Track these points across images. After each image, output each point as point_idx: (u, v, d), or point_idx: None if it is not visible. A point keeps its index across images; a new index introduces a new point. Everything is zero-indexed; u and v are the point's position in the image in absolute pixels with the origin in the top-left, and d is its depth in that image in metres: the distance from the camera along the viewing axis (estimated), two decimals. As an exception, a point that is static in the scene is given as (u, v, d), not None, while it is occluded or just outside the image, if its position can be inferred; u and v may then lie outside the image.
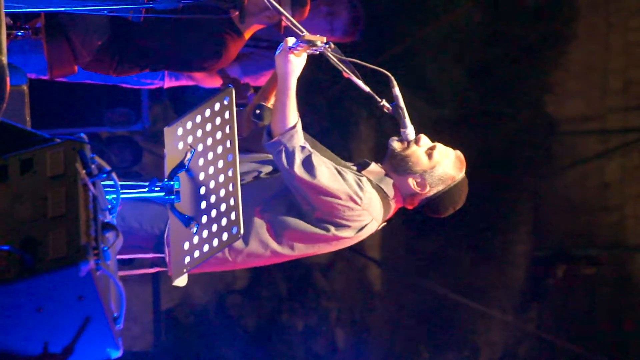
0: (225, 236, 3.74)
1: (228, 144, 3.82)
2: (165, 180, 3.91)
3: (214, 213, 3.78)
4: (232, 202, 3.74)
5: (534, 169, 9.17)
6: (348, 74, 4.32)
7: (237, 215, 3.71)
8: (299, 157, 4.23)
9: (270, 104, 4.46)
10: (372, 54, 6.10)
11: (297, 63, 4.26)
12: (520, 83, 9.04)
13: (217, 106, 3.89)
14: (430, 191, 4.45)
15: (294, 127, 4.26)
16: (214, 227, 3.77)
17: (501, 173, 8.99)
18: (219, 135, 3.86)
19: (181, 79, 5.84)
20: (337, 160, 4.44)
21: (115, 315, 3.26)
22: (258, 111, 4.45)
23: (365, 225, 4.37)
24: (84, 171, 3.24)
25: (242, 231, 3.71)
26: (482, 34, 8.89)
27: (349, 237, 4.37)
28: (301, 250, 4.41)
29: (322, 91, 7.58)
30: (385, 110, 4.36)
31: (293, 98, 4.28)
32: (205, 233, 3.80)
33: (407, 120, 4.40)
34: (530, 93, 9.14)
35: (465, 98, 8.89)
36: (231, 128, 3.82)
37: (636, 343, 9.21)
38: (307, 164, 4.24)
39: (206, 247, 3.79)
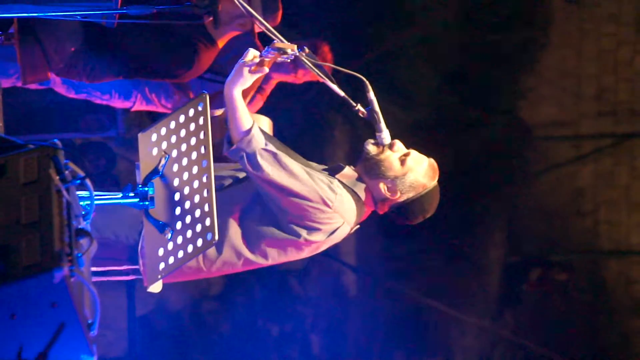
0: (200, 242, 3.74)
1: (202, 150, 3.81)
2: (140, 186, 3.90)
3: (188, 219, 3.78)
4: (206, 208, 3.73)
5: (508, 175, 9.20)
6: (323, 78, 4.32)
7: (211, 221, 3.71)
8: (262, 159, 4.24)
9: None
10: (347, 59, 6.10)
11: (245, 76, 4.24)
12: (494, 89, 9.07)
13: (191, 112, 3.89)
14: (400, 197, 4.45)
15: (249, 130, 4.27)
16: (189, 234, 3.76)
17: (475, 178, 9.01)
18: (193, 141, 3.85)
19: (151, 104, 5.82)
20: (309, 164, 4.44)
21: (89, 321, 3.25)
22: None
23: (337, 228, 4.37)
24: (57, 177, 3.23)
25: (216, 237, 3.70)
26: (456, 40, 8.92)
27: (320, 240, 4.37)
28: (274, 258, 4.40)
29: (297, 96, 7.58)
30: (360, 114, 4.36)
31: (240, 105, 4.27)
32: (179, 239, 3.79)
33: (383, 125, 4.40)
34: (504, 99, 9.17)
35: (439, 103, 8.91)
36: (205, 134, 3.82)
37: (610, 347, 9.25)
38: (272, 163, 4.24)
39: (181, 254, 3.78)
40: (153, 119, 5.88)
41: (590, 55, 9.33)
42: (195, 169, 3.81)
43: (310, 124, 8.02)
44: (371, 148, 4.45)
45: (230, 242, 4.34)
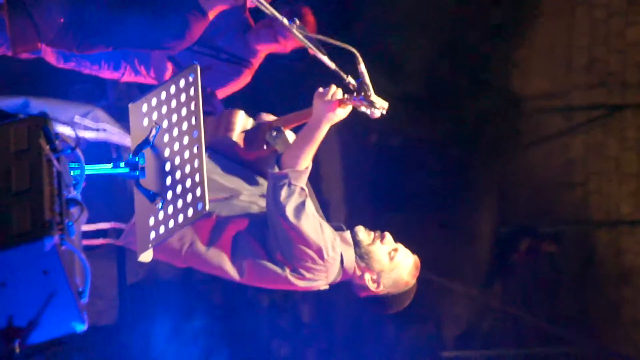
0: (190, 212, 3.75)
1: (193, 121, 3.81)
2: (130, 156, 3.91)
3: (179, 189, 3.79)
4: (197, 178, 3.75)
5: (500, 146, 9.22)
6: (313, 50, 4.33)
7: (202, 191, 3.72)
8: (295, 199, 4.25)
9: (287, 132, 4.47)
10: (338, 31, 6.10)
11: (340, 115, 4.27)
12: (485, 61, 9.07)
13: (182, 82, 3.89)
14: (381, 291, 4.49)
15: (305, 170, 4.29)
16: (179, 203, 3.78)
17: (466, 150, 9.03)
18: (184, 111, 3.85)
19: (139, 76, 5.82)
20: (320, 212, 4.46)
21: (80, 289, 3.27)
22: (275, 133, 4.45)
23: (319, 281, 4.39)
24: (48, 147, 3.25)
25: (207, 207, 3.72)
26: (448, 12, 8.91)
27: (297, 285, 4.37)
28: (248, 279, 4.41)
29: (287, 68, 7.57)
30: (351, 87, 4.37)
31: (318, 143, 4.29)
32: (170, 209, 3.80)
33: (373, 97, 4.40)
34: (496, 71, 9.17)
35: (430, 76, 8.91)
36: (196, 105, 3.82)
37: (599, 317, 9.31)
38: (300, 207, 4.24)
39: (171, 223, 3.80)
40: (142, 90, 5.87)
41: (581, 27, 9.33)
42: (186, 140, 3.82)
43: (300, 96, 8.00)
44: (362, 236, 4.48)
45: (218, 248, 4.36)
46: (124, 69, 5.75)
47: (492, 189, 9.33)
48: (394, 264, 4.47)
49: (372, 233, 4.49)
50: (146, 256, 4.09)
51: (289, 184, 4.25)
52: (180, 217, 3.78)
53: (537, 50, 9.26)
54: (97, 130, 4.39)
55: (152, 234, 3.85)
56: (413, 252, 4.52)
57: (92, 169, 3.76)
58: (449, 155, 8.90)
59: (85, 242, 4.30)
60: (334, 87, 4.28)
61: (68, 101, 4.53)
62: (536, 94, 9.36)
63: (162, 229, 3.83)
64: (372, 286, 4.47)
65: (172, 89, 3.91)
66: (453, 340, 9.21)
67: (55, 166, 3.21)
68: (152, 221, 3.85)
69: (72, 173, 3.50)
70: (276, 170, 4.29)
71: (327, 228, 4.36)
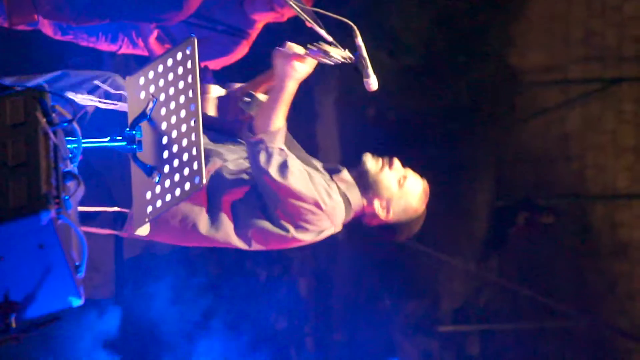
0: (187, 186, 3.74)
1: (190, 94, 3.80)
2: (127, 129, 3.89)
3: (176, 162, 3.77)
4: (194, 151, 3.73)
5: (497, 119, 9.21)
6: (311, 23, 4.31)
7: (199, 165, 3.70)
8: (276, 160, 4.22)
9: (259, 95, 4.44)
10: (335, 4, 6.07)
11: (300, 70, 4.23)
12: (483, 34, 9.05)
13: (179, 55, 3.87)
14: (391, 218, 4.47)
15: (279, 130, 4.25)
16: (177, 177, 3.76)
17: (463, 123, 9.02)
18: (181, 84, 3.83)
19: (137, 48, 5.79)
20: (309, 161, 4.44)
21: (76, 264, 3.26)
22: (248, 100, 4.43)
23: (325, 229, 4.38)
24: (44, 120, 3.23)
25: (204, 181, 3.70)
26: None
27: (305, 240, 4.37)
28: (257, 246, 4.41)
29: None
30: (348, 60, 4.35)
31: (287, 102, 4.25)
32: (167, 182, 3.79)
33: (370, 70, 4.38)
34: (493, 44, 9.15)
35: (427, 49, 8.89)
36: (193, 77, 3.80)
37: (595, 290, 9.32)
38: (283, 167, 4.23)
39: (168, 197, 3.78)
40: (139, 63, 5.85)
41: (579, 0, 9.31)
42: (183, 113, 3.80)
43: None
44: (370, 165, 4.46)
45: (220, 224, 4.36)
46: (121, 41, 5.72)
47: (488, 163, 9.32)
48: (404, 191, 4.43)
49: (380, 160, 4.46)
50: (143, 230, 4.08)
51: (266, 148, 4.23)
52: (178, 191, 3.77)
53: (534, 24, 9.24)
54: (119, 96, 4.37)
55: (149, 208, 3.84)
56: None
57: (89, 142, 3.74)
58: (445, 129, 8.89)
59: (90, 229, 4.29)
60: (288, 43, 4.24)
61: (89, 71, 4.52)
62: (533, 68, 9.35)
63: (159, 203, 3.81)
64: (382, 214, 4.45)
65: (170, 61, 3.89)
66: (450, 314, 9.22)
67: (51, 139, 3.19)
68: (149, 195, 3.84)
69: (68, 146, 3.48)
70: (250, 136, 4.27)
71: (318, 177, 4.33)
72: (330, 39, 4.33)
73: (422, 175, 4.49)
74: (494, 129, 9.21)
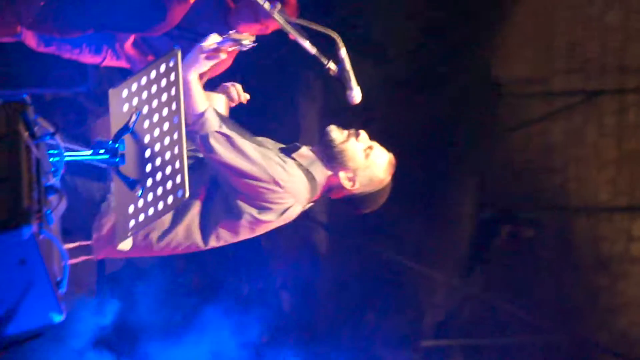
0: (170, 199, 3.71)
1: (173, 107, 3.77)
2: (110, 142, 3.86)
3: (159, 176, 3.75)
4: (177, 165, 3.71)
5: (479, 131, 9.20)
6: (295, 35, 4.30)
7: (182, 178, 3.68)
8: (214, 142, 4.24)
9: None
10: (320, 14, 6.07)
11: (201, 61, 4.29)
12: (466, 46, 9.05)
13: (162, 68, 3.85)
14: (357, 189, 4.46)
15: (203, 113, 4.28)
16: (159, 190, 3.74)
17: (446, 134, 9.02)
18: (164, 97, 3.81)
19: (121, 60, 5.78)
20: (264, 144, 4.42)
21: (58, 279, 3.23)
22: None
23: (288, 207, 4.37)
24: (26, 133, 3.20)
25: (187, 194, 3.68)
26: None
27: (271, 220, 4.37)
28: (226, 239, 4.42)
29: (269, 53, 7.52)
30: (331, 73, 4.35)
31: (195, 88, 4.30)
32: (150, 196, 3.76)
33: (353, 83, 4.38)
34: (476, 56, 9.15)
35: (411, 60, 8.89)
36: (177, 90, 3.78)
37: (576, 304, 9.32)
38: (225, 146, 4.24)
39: (151, 211, 3.76)
40: (123, 75, 5.82)
41: (561, 12, 9.32)
42: (166, 126, 3.77)
43: (282, 81, 7.97)
44: (335, 135, 4.45)
45: (186, 224, 4.34)
46: (105, 53, 5.69)
47: (471, 175, 9.32)
48: (369, 162, 4.46)
49: (345, 131, 4.47)
50: (125, 244, 4.05)
51: (200, 136, 4.25)
52: (160, 205, 3.74)
53: (517, 36, 9.25)
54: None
55: (132, 222, 3.80)
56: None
57: (71, 156, 3.70)
58: (428, 140, 8.88)
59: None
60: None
61: None
62: (516, 79, 9.35)
63: (141, 217, 3.78)
64: (347, 184, 4.45)
65: (153, 73, 3.86)
66: (433, 329, 9.20)
67: (34, 153, 3.16)
68: (131, 209, 3.80)
69: (51, 160, 3.44)
70: (188, 127, 4.28)
71: (271, 154, 4.33)
72: (314, 51, 4.32)
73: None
74: (477, 140, 9.21)
